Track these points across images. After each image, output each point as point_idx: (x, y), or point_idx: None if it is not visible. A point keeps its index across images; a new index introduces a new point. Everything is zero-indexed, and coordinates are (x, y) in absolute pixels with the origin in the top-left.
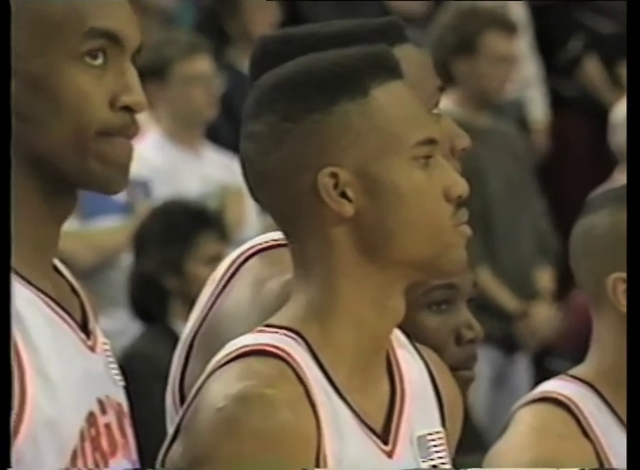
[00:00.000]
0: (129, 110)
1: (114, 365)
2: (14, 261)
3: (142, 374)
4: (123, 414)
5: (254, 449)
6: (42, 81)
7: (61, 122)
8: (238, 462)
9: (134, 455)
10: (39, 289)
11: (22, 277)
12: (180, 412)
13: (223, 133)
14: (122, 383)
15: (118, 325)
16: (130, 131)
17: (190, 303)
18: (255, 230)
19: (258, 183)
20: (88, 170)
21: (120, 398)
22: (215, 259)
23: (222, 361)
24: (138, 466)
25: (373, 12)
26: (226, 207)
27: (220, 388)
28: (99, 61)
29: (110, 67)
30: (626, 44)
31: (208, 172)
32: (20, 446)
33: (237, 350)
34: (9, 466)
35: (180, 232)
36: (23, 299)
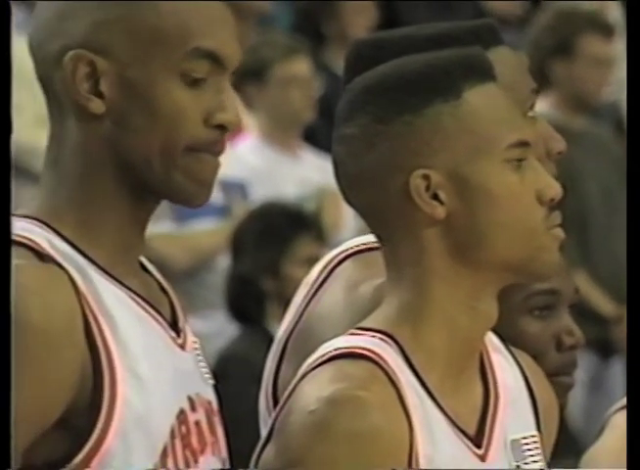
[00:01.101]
0: (222, 128)
1: (204, 364)
2: (102, 262)
3: (238, 375)
4: (213, 412)
5: (347, 452)
6: (141, 90)
7: (152, 133)
8: (330, 464)
9: (224, 453)
10: (128, 288)
11: (112, 276)
12: (273, 414)
13: (321, 135)
14: (212, 381)
15: (215, 327)
16: (218, 148)
17: (286, 304)
18: (352, 232)
19: (351, 186)
20: (172, 183)
21: (210, 395)
22: (312, 261)
23: (315, 364)
24: (228, 464)
25: (469, 14)
26: (323, 209)
27: (313, 390)
28: (198, 78)
29: (208, 84)
30: (626, 44)
31: (306, 174)
32: (110, 444)
33: (329, 352)
34: (8, 466)
35: (277, 234)
36: (113, 297)
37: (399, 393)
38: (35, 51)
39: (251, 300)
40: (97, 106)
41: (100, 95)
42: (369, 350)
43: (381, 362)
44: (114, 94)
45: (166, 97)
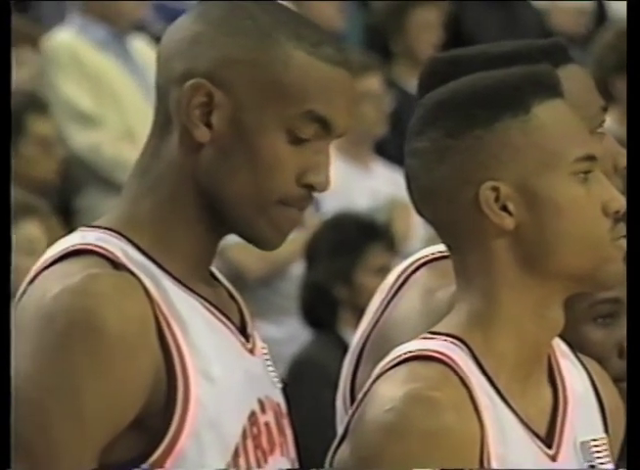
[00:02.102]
0: (311, 187)
1: (273, 368)
2: (175, 272)
3: (311, 379)
4: (282, 414)
5: (420, 450)
6: (248, 133)
7: (248, 177)
8: (404, 462)
9: (292, 454)
10: (200, 295)
11: (184, 284)
12: (348, 414)
13: (391, 148)
14: (280, 385)
15: (289, 332)
16: (304, 205)
17: (358, 311)
18: (422, 242)
19: (422, 197)
20: (255, 228)
21: (279, 398)
22: (383, 270)
23: (388, 366)
24: (297, 464)
25: (534, 32)
26: (394, 219)
27: (387, 391)
28: (303, 137)
29: (310, 143)
30: (626, 44)
31: (377, 186)
32: (184, 444)
33: (403, 355)
34: (8, 466)
35: (350, 244)
36: (185, 304)
37: (471, 394)
38: (161, 62)
39: (324, 306)
40: (203, 134)
41: (209, 125)
42: (441, 352)
43: (452, 365)
44: (223, 129)
45: (270, 148)
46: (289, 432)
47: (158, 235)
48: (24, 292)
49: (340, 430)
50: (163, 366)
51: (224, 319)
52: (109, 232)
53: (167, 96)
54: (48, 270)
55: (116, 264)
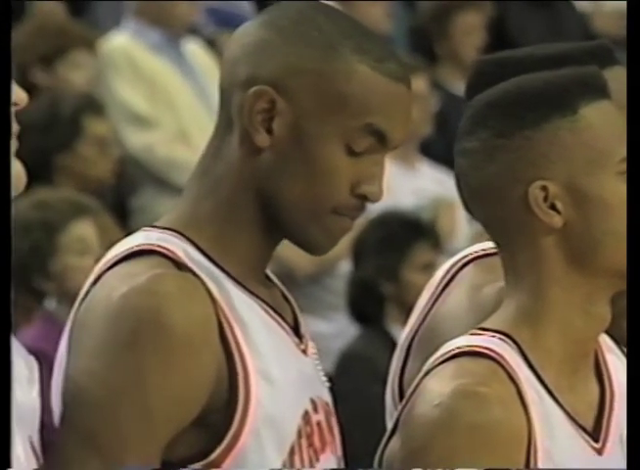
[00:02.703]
0: (364, 198)
1: (321, 367)
2: (234, 273)
3: (359, 373)
4: (331, 413)
5: (468, 443)
6: (311, 143)
7: (304, 186)
8: (452, 455)
9: (339, 451)
10: (258, 296)
11: (243, 286)
12: (398, 408)
13: (436, 149)
14: (328, 384)
15: (337, 328)
16: (357, 215)
17: (404, 307)
18: (466, 240)
19: (472, 196)
20: (307, 234)
21: (328, 397)
22: (429, 267)
23: (438, 361)
24: (343, 462)
25: (576, 35)
26: (438, 218)
27: (436, 386)
28: (360, 149)
29: (366, 155)
30: (626, 44)
31: (423, 185)
32: (245, 441)
33: (452, 350)
34: (9, 466)
35: (396, 241)
36: (245, 305)
37: (518, 389)
38: (226, 66)
39: (372, 302)
40: (263, 139)
41: (269, 131)
42: (489, 348)
43: (500, 360)
44: (283, 135)
45: (327, 158)
46: (337, 430)
47: (217, 236)
48: (88, 292)
49: (389, 424)
50: (225, 365)
51: (280, 320)
52: (170, 232)
53: (230, 99)
54: (112, 270)
55: (179, 265)
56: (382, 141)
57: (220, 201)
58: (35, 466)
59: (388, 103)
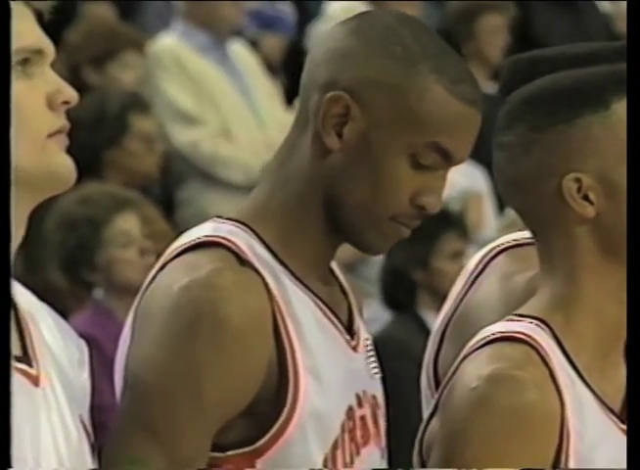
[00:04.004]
0: (422, 209)
1: (373, 359)
2: (296, 270)
3: (392, 356)
4: (377, 406)
5: (505, 425)
6: (375, 151)
7: (367, 193)
8: (489, 436)
9: (383, 443)
10: (315, 293)
11: (302, 283)
12: (438, 391)
13: None
14: (379, 375)
15: (371, 314)
16: (413, 224)
17: (435, 293)
18: (493, 230)
19: (509, 188)
20: (364, 237)
21: (376, 390)
22: (457, 255)
23: (476, 346)
24: (386, 453)
25: (600, 35)
26: (467, 209)
27: (474, 369)
28: (424, 164)
29: (428, 169)
30: (626, 44)
31: (452, 178)
32: (291, 432)
33: (489, 336)
34: (9, 466)
35: (426, 231)
36: (301, 302)
37: (552, 373)
38: (309, 65)
39: (404, 289)
40: (333, 142)
41: (340, 135)
42: (525, 334)
43: (535, 345)
44: (352, 141)
45: (392, 168)
46: (382, 421)
47: (282, 231)
48: (154, 278)
49: (424, 406)
50: (276, 360)
51: (333, 318)
52: (238, 225)
53: (309, 98)
54: (177, 259)
55: (242, 259)
56: (446, 158)
57: (290, 195)
58: (86, 444)
59: (457, 124)
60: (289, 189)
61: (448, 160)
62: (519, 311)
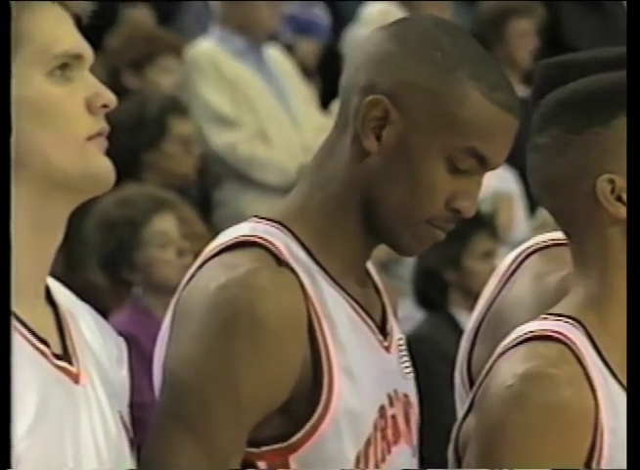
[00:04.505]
0: (457, 212)
1: (406, 359)
2: (332, 270)
3: (424, 353)
4: (409, 405)
5: (540, 422)
6: (412, 155)
7: (404, 195)
8: (524, 432)
9: (415, 441)
10: (349, 294)
11: (337, 283)
12: (472, 390)
13: None
14: (411, 375)
15: (405, 313)
16: (448, 227)
17: (466, 292)
18: (524, 231)
19: (543, 189)
20: (400, 239)
21: (408, 389)
22: (488, 255)
23: (511, 344)
24: (417, 452)
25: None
26: (498, 210)
27: (509, 368)
28: (460, 168)
29: (464, 173)
30: (626, 44)
31: (483, 180)
32: (324, 429)
33: (524, 334)
34: (9, 466)
35: (458, 232)
36: (335, 303)
37: (586, 371)
38: (350, 68)
39: (436, 289)
40: (371, 145)
41: (378, 138)
42: (559, 332)
43: (569, 344)
44: (390, 144)
45: (429, 172)
46: (414, 420)
47: (320, 231)
48: (192, 277)
49: (458, 403)
50: (310, 358)
51: (367, 319)
52: (276, 225)
53: (349, 101)
54: (216, 259)
55: (279, 259)
56: (482, 163)
57: (328, 196)
58: (126, 440)
59: (494, 130)
60: (327, 190)
61: (484, 164)
62: (552, 311)
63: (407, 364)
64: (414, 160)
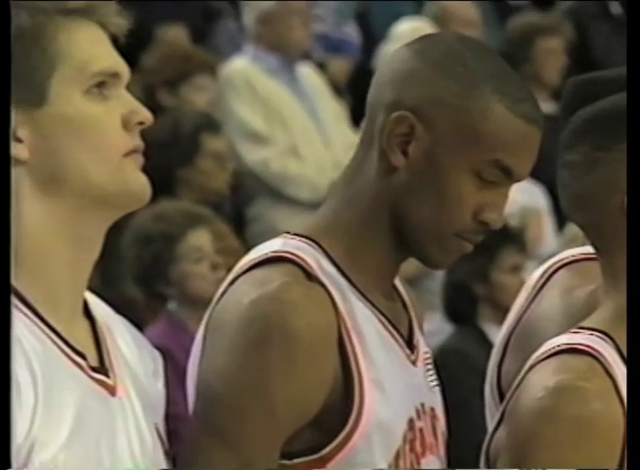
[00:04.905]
0: (484, 224)
1: (432, 372)
2: (361, 285)
3: (454, 367)
4: (436, 418)
5: (570, 434)
6: (438, 168)
7: (433, 209)
8: (555, 444)
9: (442, 452)
10: (378, 309)
11: (366, 298)
12: (503, 402)
13: None
14: (438, 388)
15: (434, 326)
16: (477, 239)
17: (495, 306)
18: (552, 245)
19: (573, 204)
20: (429, 252)
21: (434, 402)
22: (517, 269)
23: (541, 357)
24: (446, 463)
25: None
26: (526, 225)
27: (539, 380)
28: (486, 180)
29: (491, 185)
30: (626, 45)
31: (512, 195)
32: (355, 442)
33: (554, 348)
34: (9, 466)
35: (487, 246)
36: (365, 317)
37: (615, 384)
38: (376, 85)
39: (465, 302)
40: (398, 160)
41: (405, 153)
42: (589, 346)
43: (599, 357)
44: (417, 159)
45: (456, 185)
46: (441, 432)
47: (349, 247)
48: (225, 292)
49: (488, 417)
50: (341, 372)
51: (395, 333)
52: (307, 240)
53: (375, 117)
54: (247, 274)
55: (310, 275)
56: (507, 175)
57: (357, 212)
58: (161, 452)
59: (519, 142)
60: (356, 206)
61: (510, 176)
62: (583, 324)
63: (433, 378)
64: (441, 174)
